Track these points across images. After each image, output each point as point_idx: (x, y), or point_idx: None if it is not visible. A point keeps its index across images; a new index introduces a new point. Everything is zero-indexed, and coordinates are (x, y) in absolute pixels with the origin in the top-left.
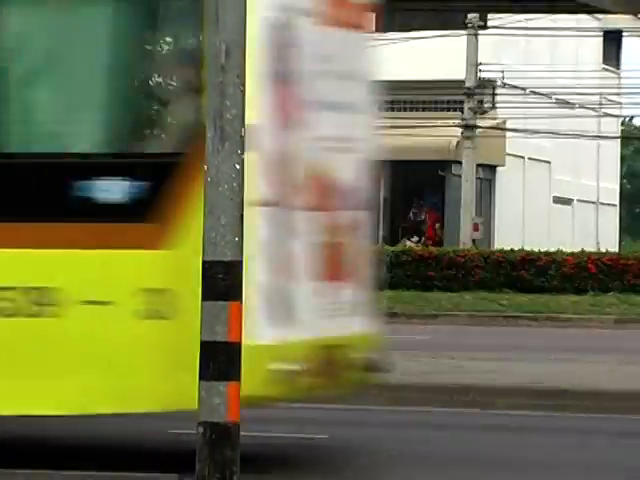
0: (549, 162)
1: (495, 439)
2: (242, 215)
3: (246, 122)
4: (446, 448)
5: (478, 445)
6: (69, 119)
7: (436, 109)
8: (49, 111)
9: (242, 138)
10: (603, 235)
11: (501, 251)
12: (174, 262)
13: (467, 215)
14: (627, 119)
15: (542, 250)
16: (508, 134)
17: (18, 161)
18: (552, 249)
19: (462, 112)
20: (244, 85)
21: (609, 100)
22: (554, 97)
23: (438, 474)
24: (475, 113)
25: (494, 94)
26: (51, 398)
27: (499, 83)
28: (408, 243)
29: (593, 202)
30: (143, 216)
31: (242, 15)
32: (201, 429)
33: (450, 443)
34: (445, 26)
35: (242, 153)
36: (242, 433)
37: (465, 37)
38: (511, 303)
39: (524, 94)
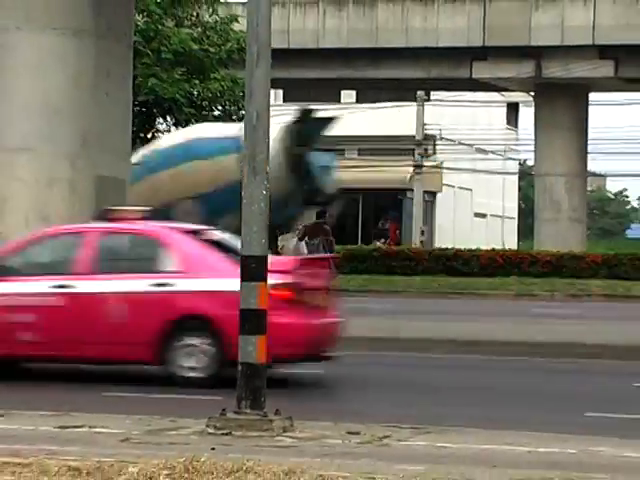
0: (471, 190)
1: (432, 372)
2: (267, 225)
3: None
4: (402, 379)
5: (423, 377)
6: None
7: (396, 154)
8: None
9: (267, 173)
10: (507, 238)
11: (439, 249)
12: None
13: (417, 225)
14: (523, 161)
15: (466, 248)
16: (444, 171)
17: None
18: (473, 247)
19: (413, 156)
20: (269, 138)
21: (511, 149)
22: (474, 147)
23: (395, 394)
24: (422, 157)
25: (434, 144)
26: None
27: (438, 137)
28: (378, 243)
29: (500, 216)
30: None
31: (267, 90)
32: (240, 367)
33: (403, 375)
34: (402, 99)
35: (268, 183)
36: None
37: (415, 106)
38: (446, 283)
39: (454, 144)
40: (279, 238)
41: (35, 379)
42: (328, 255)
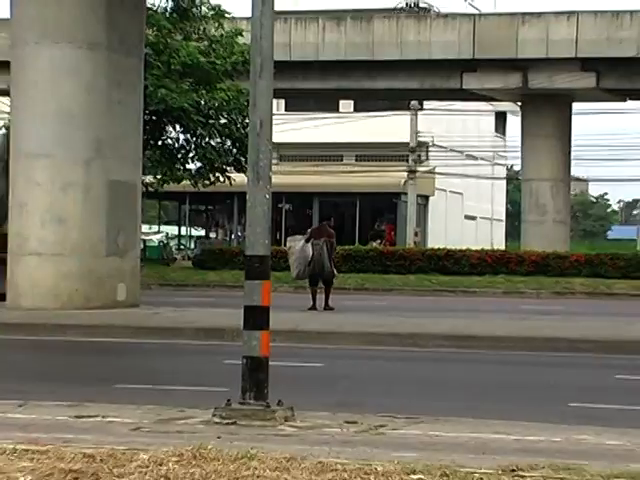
0: (461, 193)
1: (426, 366)
2: (270, 226)
3: None
4: (397, 372)
5: (417, 370)
6: None
7: (391, 160)
8: None
9: (270, 178)
10: (495, 239)
11: (432, 249)
12: None
13: (411, 226)
14: (510, 167)
15: (457, 248)
16: (436, 176)
17: None
18: (463, 247)
19: (407, 162)
20: (272, 145)
21: (499, 155)
22: (464, 153)
23: (390, 386)
24: (415, 163)
25: (427, 151)
26: None
27: (430, 144)
28: (374, 244)
29: (489, 218)
30: None
31: (270, 101)
32: (244, 360)
33: (398, 368)
34: (396, 108)
35: (270, 187)
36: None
37: (409, 115)
38: (438, 282)
39: (446, 151)
40: (288, 239)
41: (52, 372)
42: None
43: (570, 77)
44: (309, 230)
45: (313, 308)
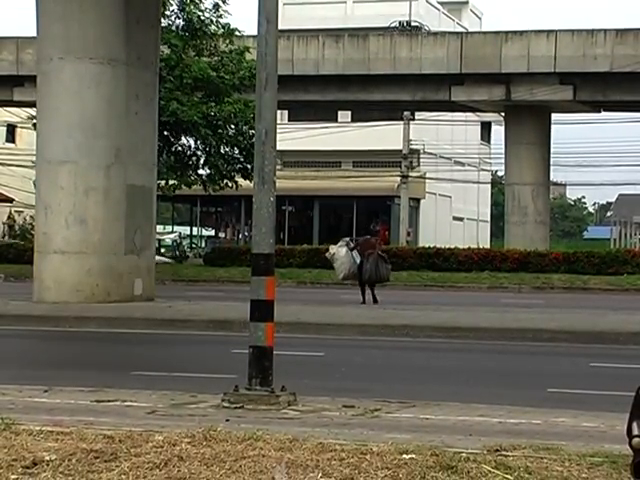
0: (450, 197)
1: (417, 355)
2: (274, 227)
3: None
4: (391, 360)
5: (410, 359)
6: None
7: (385, 166)
8: None
9: (274, 183)
10: (481, 238)
11: (423, 247)
12: None
13: (403, 227)
14: (494, 172)
15: (446, 247)
16: (427, 181)
17: None
18: (452, 246)
19: (400, 168)
20: (276, 152)
21: (484, 162)
22: (453, 160)
23: (385, 374)
24: (408, 168)
25: (419, 158)
26: None
27: (421, 151)
28: None
29: (475, 219)
30: None
31: (274, 112)
32: (251, 350)
33: (392, 357)
34: (390, 118)
35: (274, 191)
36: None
37: (402, 124)
38: (428, 278)
39: (435, 157)
40: (330, 247)
41: (74, 360)
42: None
43: (549, 90)
44: (355, 240)
45: (363, 302)
